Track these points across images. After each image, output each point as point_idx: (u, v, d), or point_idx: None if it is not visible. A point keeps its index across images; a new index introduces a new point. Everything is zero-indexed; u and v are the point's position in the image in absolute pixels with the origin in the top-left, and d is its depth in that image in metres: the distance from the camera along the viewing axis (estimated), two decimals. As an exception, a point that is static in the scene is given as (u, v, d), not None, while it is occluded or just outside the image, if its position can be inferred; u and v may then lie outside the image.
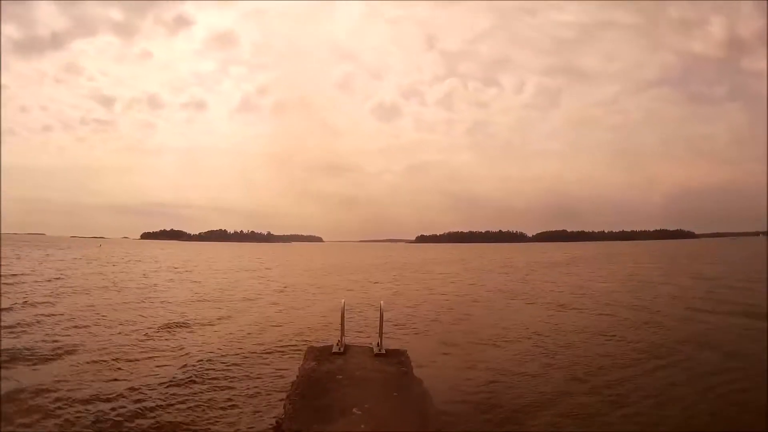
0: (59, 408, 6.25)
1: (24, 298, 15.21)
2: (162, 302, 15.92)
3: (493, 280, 26.77)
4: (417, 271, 35.45)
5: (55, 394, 6.68)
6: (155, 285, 21.57)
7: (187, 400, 6.72)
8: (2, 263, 28.95)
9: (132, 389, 6.96)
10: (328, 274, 31.10)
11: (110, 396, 6.67)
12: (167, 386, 7.18)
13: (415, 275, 30.87)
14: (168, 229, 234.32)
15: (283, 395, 5.83)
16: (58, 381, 7.24)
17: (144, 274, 27.52)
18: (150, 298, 16.98)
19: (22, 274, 23.09)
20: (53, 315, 12.51)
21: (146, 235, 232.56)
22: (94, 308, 13.98)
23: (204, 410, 6.41)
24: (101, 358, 8.57)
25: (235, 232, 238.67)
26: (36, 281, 20.66)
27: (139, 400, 6.56)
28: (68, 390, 6.87)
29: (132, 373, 7.82)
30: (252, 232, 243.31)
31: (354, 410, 4.77)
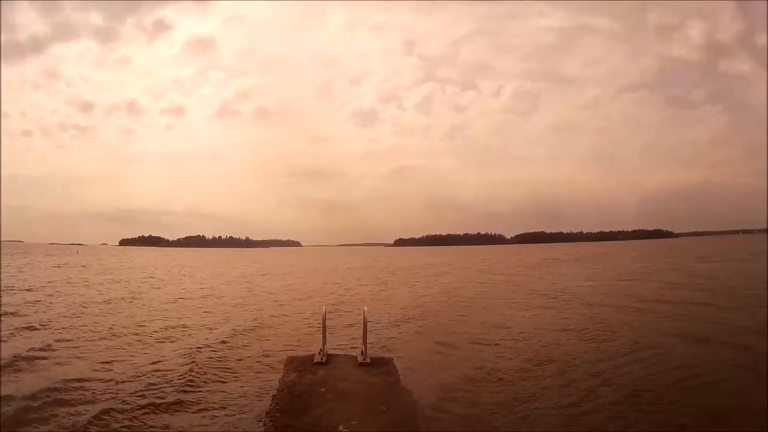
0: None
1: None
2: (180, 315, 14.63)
3: (485, 279, 26.80)
4: (417, 274, 34.78)
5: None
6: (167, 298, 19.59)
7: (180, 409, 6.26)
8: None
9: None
10: (330, 282, 29.66)
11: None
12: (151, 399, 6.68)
13: (416, 279, 30.26)
14: (146, 235, 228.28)
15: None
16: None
17: (151, 286, 25.23)
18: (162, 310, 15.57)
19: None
20: (43, 329, 11.24)
21: (125, 242, 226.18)
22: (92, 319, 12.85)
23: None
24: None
25: (214, 238, 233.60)
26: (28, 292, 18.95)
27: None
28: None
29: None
30: (230, 237, 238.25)
31: (340, 428, 4.46)
